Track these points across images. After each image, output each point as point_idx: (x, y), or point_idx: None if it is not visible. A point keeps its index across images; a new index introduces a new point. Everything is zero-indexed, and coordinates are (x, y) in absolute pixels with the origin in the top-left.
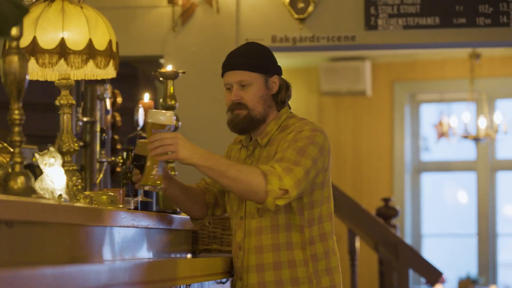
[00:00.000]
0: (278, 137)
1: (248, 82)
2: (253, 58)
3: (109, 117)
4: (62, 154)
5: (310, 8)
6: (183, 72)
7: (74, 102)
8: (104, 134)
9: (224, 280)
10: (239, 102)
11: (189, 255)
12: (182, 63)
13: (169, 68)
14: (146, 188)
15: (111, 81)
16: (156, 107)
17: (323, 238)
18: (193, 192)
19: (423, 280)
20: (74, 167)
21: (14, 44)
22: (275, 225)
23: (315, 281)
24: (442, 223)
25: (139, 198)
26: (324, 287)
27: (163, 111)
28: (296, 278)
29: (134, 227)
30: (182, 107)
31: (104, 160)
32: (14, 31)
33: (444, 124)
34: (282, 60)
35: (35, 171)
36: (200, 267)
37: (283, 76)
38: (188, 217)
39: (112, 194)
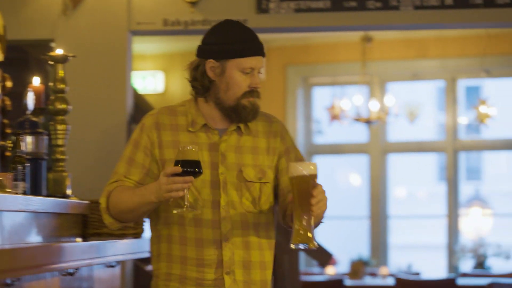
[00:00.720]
0: (259, 128)
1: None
2: None
3: None
4: None
5: None
6: (73, 56)
7: None
8: None
9: (113, 263)
10: (258, 90)
11: (79, 239)
12: (73, 47)
13: (58, 51)
14: (302, 247)
15: (1, 64)
16: (46, 91)
17: None
18: None
19: (315, 262)
20: None
21: None
22: (271, 222)
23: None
24: (334, 205)
25: (189, 210)
26: None
27: (304, 162)
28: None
29: (22, 211)
30: (73, 91)
31: None
32: None
33: (337, 107)
34: (176, 44)
35: None
36: (89, 251)
37: (179, 61)
38: (79, 201)
39: (0, 178)
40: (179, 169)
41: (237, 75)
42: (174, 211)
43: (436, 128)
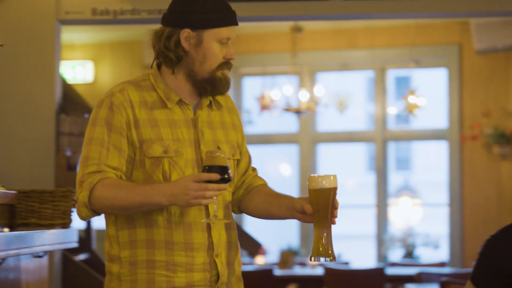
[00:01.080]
0: (221, 101)
1: None
2: None
3: None
4: None
5: None
6: (1, 45)
7: None
8: None
9: (41, 253)
10: (231, 61)
11: (6, 229)
12: (1, 36)
13: None
14: (323, 260)
15: None
16: None
17: None
18: None
19: (244, 252)
20: None
21: None
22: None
23: None
24: None
25: (217, 219)
26: None
27: (325, 174)
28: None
29: None
30: (0, 80)
31: None
32: None
33: (266, 97)
34: (105, 33)
35: None
36: (16, 241)
37: (109, 50)
38: (6, 191)
39: None
40: (216, 176)
41: (214, 46)
42: (202, 220)
43: (366, 118)
